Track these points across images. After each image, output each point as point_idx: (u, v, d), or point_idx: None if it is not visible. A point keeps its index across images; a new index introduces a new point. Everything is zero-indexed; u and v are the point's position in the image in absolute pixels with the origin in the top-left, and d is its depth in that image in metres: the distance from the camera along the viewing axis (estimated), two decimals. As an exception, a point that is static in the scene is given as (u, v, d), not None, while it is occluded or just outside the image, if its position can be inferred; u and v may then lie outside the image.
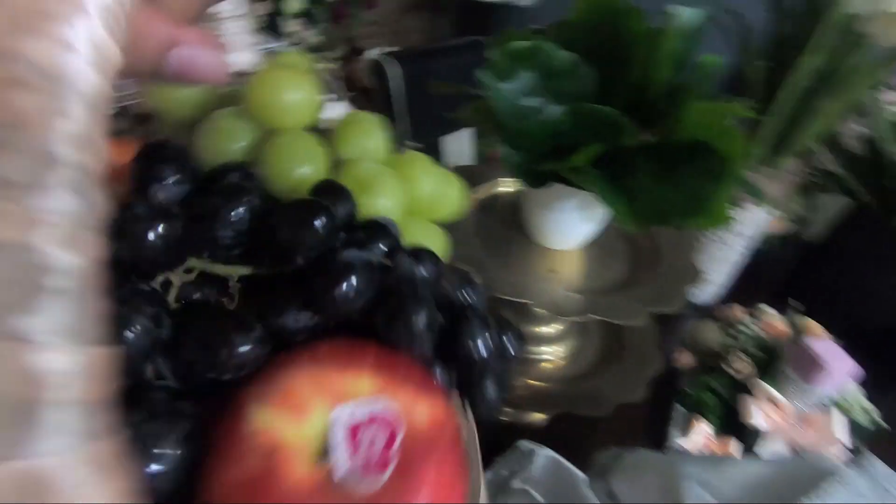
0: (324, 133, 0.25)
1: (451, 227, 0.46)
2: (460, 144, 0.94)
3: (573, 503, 0.50)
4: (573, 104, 0.34)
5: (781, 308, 0.64)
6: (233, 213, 0.18)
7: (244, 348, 0.15)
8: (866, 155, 0.73)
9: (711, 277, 0.76)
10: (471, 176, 0.55)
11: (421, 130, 0.92)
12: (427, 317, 0.18)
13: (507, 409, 0.58)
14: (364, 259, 0.18)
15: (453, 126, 1.00)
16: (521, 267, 0.46)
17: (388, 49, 0.94)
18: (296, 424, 0.14)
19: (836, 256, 0.79)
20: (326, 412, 0.14)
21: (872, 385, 0.56)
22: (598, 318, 0.39)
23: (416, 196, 0.26)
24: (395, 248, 0.20)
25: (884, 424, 0.55)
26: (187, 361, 0.16)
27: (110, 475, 0.11)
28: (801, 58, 0.57)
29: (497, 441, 0.54)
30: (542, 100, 0.37)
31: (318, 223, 0.18)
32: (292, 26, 1.20)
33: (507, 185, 0.56)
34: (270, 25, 1.12)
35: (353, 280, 0.17)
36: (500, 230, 0.50)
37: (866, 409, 0.56)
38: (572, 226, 0.45)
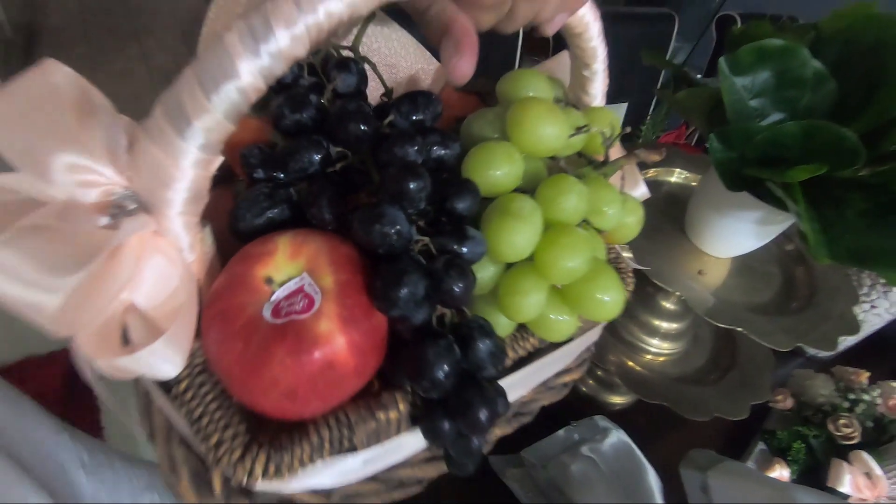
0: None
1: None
2: (617, 113, 0.91)
3: (635, 488, 0.53)
4: (810, 119, 0.32)
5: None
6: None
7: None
8: None
9: (848, 339, 0.71)
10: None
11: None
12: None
13: (591, 382, 0.60)
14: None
15: (616, 96, 0.97)
16: (669, 258, 0.46)
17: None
18: (264, 270, 0.21)
19: None
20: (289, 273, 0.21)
21: None
22: (744, 331, 0.39)
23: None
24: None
25: None
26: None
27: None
28: None
29: (573, 408, 0.56)
30: (768, 102, 0.36)
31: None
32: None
33: (675, 176, 0.55)
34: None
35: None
36: (656, 219, 0.50)
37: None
38: (738, 236, 0.44)
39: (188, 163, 0.18)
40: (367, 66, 0.28)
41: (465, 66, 0.21)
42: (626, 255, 0.36)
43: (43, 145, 0.18)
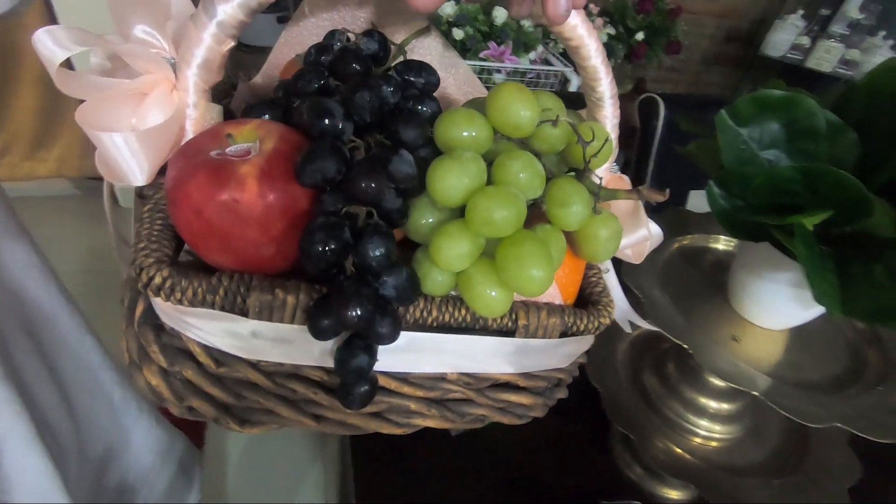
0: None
1: (643, 267, 0.46)
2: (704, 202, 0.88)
3: None
4: (806, 165, 0.31)
5: None
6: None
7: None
8: None
9: None
10: (687, 222, 0.53)
11: (666, 179, 0.89)
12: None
13: (638, 469, 0.55)
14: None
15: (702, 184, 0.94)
16: (701, 322, 0.43)
17: (664, 92, 0.94)
18: (231, 130, 0.26)
19: None
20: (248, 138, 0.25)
21: None
22: (766, 400, 0.35)
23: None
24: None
25: None
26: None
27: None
28: None
29: (614, 491, 0.52)
30: (783, 155, 0.35)
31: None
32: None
33: (721, 244, 0.52)
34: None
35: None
36: (696, 283, 0.48)
37: None
38: (777, 300, 0.40)
39: (206, 33, 0.24)
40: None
41: (562, 4, 0.22)
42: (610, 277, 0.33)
43: (129, 19, 0.29)
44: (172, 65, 0.27)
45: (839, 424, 0.34)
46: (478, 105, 0.27)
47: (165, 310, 0.25)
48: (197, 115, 0.27)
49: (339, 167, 0.24)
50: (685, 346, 0.38)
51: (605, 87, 0.29)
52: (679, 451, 0.48)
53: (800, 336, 0.43)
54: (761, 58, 1.93)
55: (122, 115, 0.27)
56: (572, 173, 0.28)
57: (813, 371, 0.41)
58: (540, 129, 0.26)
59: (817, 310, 0.40)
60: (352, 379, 0.25)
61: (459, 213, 0.24)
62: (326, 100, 0.25)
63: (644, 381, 0.53)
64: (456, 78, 0.36)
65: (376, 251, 0.23)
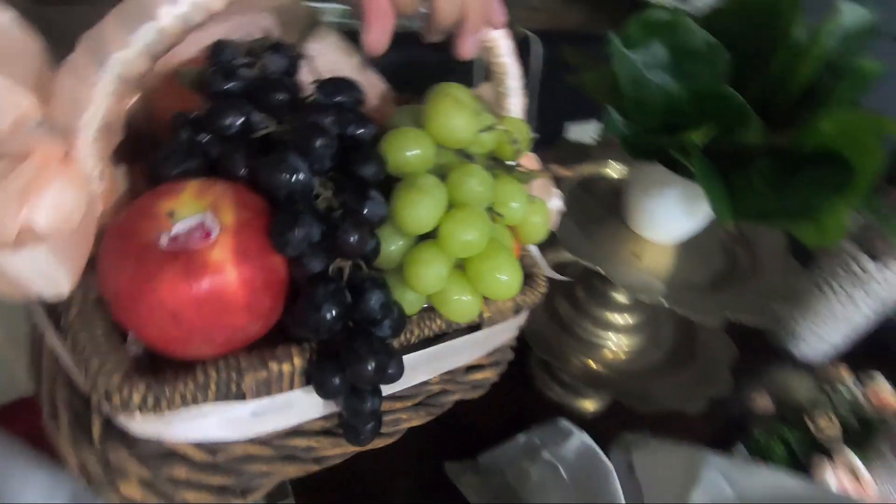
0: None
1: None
2: (583, 135, 0.94)
3: (599, 493, 0.50)
4: (694, 83, 0.33)
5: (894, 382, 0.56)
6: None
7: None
8: None
9: (826, 336, 0.69)
10: (582, 153, 0.56)
11: (547, 115, 0.93)
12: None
13: (557, 389, 0.59)
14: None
15: (581, 115, 0.99)
16: (606, 244, 0.46)
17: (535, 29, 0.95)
18: (168, 204, 0.22)
19: None
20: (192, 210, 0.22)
21: None
22: (670, 307, 0.39)
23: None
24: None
25: None
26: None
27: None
28: None
29: (541, 412, 0.55)
30: (669, 77, 0.37)
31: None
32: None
33: (613, 171, 0.55)
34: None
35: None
36: (596, 209, 0.50)
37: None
38: (669, 216, 0.44)
39: (104, 91, 0.20)
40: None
41: (374, 37, 0.23)
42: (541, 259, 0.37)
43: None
44: (41, 125, 0.21)
45: (728, 314, 0.38)
46: (412, 114, 0.28)
47: (140, 422, 0.21)
48: (106, 186, 0.22)
49: (321, 229, 0.23)
50: (597, 268, 0.40)
51: (515, 79, 0.32)
52: (594, 365, 0.52)
53: (686, 246, 0.47)
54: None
55: (7, 215, 0.20)
56: (502, 169, 0.30)
57: (699, 274, 0.46)
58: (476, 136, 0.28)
59: (702, 221, 0.44)
60: (365, 422, 0.26)
61: (423, 234, 0.26)
62: (287, 155, 0.23)
63: (557, 307, 0.56)
64: (353, 70, 0.35)
65: (377, 303, 0.24)
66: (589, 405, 0.59)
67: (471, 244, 0.25)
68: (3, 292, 0.20)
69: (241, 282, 0.21)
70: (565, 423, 0.53)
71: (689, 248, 0.47)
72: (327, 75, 0.29)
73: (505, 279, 0.26)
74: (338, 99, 0.27)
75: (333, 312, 0.22)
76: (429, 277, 0.25)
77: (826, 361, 0.61)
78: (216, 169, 0.24)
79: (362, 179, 0.25)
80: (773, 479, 0.27)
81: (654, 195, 0.44)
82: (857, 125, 0.33)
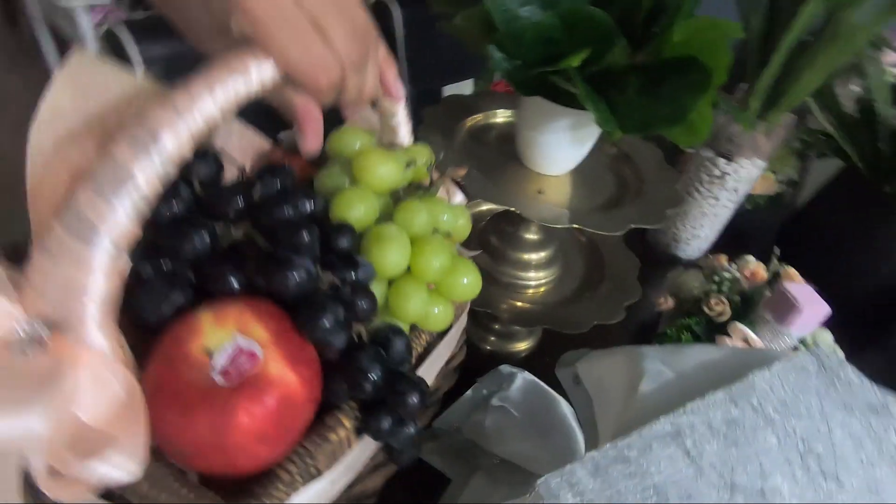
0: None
1: (443, 148, 0.47)
2: (462, 91, 0.95)
3: (549, 420, 0.53)
4: (562, 7, 0.35)
5: (764, 259, 0.66)
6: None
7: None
8: (860, 116, 0.74)
9: (700, 232, 0.78)
10: (466, 107, 0.56)
11: (423, 76, 0.92)
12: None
13: (492, 339, 0.61)
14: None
15: (456, 75, 1.00)
16: (511, 187, 0.47)
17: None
18: (195, 344, 0.22)
19: (821, 217, 0.81)
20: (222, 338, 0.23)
21: (841, 329, 0.58)
22: (579, 227, 0.41)
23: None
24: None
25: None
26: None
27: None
28: (801, 6, 0.57)
29: (482, 365, 0.56)
30: (538, 7, 0.38)
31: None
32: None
33: (500, 117, 0.57)
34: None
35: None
36: (492, 156, 0.51)
37: (837, 354, 0.58)
38: (560, 148, 0.46)
39: (99, 270, 0.19)
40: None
41: (310, 143, 0.26)
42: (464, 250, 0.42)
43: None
44: (44, 324, 0.19)
45: (632, 224, 0.41)
46: (338, 172, 0.32)
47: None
48: (122, 353, 0.22)
49: (342, 307, 0.26)
50: (512, 208, 0.41)
51: (402, 112, 0.35)
52: (521, 304, 0.54)
53: (579, 174, 0.50)
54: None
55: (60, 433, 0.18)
56: (421, 191, 0.35)
57: (597, 197, 0.49)
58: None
59: (589, 145, 0.47)
60: (412, 443, 0.30)
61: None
62: (291, 256, 0.25)
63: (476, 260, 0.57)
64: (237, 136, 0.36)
65: (403, 346, 0.29)
66: (523, 346, 0.62)
67: (442, 268, 0.31)
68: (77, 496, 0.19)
69: (301, 381, 0.23)
70: (506, 368, 0.55)
71: (582, 175, 0.50)
72: (238, 157, 0.32)
73: (469, 281, 0.33)
74: (280, 185, 0.29)
75: (379, 371, 0.26)
76: (415, 307, 0.30)
77: (706, 255, 0.69)
78: (204, 291, 0.25)
79: (343, 251, 0.28)
80: (699, 351, 0.30)
81: (544, 130, 0.45)
82: (703, 30, 0.36)
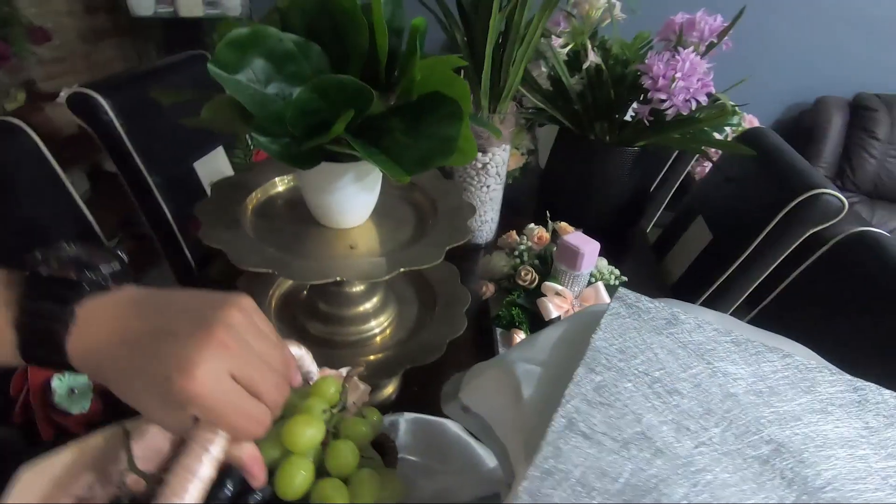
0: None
1: (232, 240, 0.43)
2: (216, 164, 0.87)
3: (446, 448, 0.54)
4: (313, 81, 0.35)
5: (542, 222, 0.78)
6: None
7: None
8: (554, 89, 0.93)
9: (487, 217, 0.88)
10: (239, 188, 0.52)
11: (158, 163, 0.82)
12: None
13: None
14: None
15: (199, 151, 0.91)
16: (320, 252, 0.46)
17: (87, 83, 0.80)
18: None
19: (559, 172, 0.99)
20: None
21: (610, 255, 0.73)
22: (405, 269, 0.42)
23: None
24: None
25: (625, 279, 0.72)
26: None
27: None
28: (489, 21, 0.68)
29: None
30: (282, 84, 0.37)
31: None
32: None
33: (280, 185, 0.55)
34: None
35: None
36: (289, 228, 0.49)
37: (614, 274, 0.73)
38: (356, 200, 0.47)
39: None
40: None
41: (258, 482, 0.30)
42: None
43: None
44: None
45: (449, 244, 0.45)
46: (271, 442, 0.34)
47: None
48: None
49: None
50: (337, 278, 0.40)
51: (309, 364, 0.38)
52: (374, 356, 0.54)
53: (379, 214, 0.52)
54: (137, 20, 1.88)
55: None
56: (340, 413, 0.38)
57: (405, 229, 0.51)
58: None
59: (379, 188, 0.49)
60: None
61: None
62: None
63: (308, 329, 0.55)
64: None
65: None
66: (390, 389, 0.62)
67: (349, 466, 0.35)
68: None
69: None
70: (387, 418, 0.54)
71: (383, 214, 0.52)
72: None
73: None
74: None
75: None
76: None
77: (501, 236, 0.78)
78: None
79: None
80: (546, 336, 0.35)
81: (333, 190, 0.45)
82: (435, 66, 0.41)
